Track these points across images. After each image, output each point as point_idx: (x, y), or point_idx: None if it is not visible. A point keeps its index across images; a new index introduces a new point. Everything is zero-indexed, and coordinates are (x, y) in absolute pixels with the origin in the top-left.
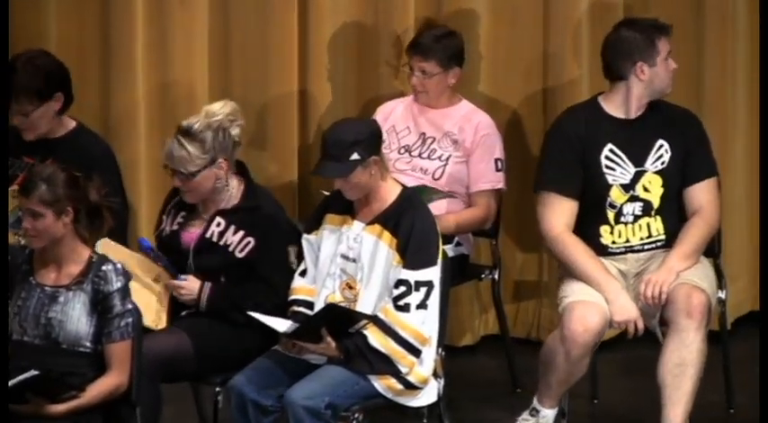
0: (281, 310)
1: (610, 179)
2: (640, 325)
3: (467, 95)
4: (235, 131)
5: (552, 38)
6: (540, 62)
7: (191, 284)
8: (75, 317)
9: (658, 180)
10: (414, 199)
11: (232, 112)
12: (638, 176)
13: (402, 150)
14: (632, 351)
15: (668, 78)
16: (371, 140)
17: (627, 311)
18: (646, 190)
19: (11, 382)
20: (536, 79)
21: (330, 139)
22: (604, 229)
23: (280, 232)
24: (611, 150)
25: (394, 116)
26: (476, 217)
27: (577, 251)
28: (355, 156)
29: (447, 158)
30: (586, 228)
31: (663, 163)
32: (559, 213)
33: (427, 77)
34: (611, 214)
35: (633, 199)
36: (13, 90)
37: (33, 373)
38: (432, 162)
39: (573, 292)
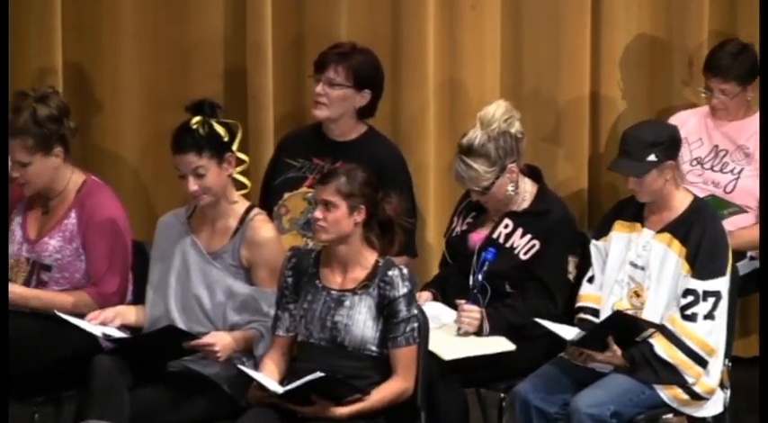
0: (557, 319)
1: None
2: None
3: (754, 106)
4: (514, 128)
5: None
6: None
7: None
8: (361, 321)
9: None
10: (705, 209)
11: (506, 111)
12: None
13: (694, 162)
14: None
15: None
16: (671, 145)
17: None
18: None
19: (297, 383)
20: None
21: (630, 137)
22: None
23: (564, 240)
24: None
25: (687, 127)
26: None
27: None
28: (652, 157)
29: (739, 172)
30: None
31: None
32: None
33: (728, 98)
34: None
35: None
36: (332, 59)
37: (319, 374)
38: (724, 175)
39: None
